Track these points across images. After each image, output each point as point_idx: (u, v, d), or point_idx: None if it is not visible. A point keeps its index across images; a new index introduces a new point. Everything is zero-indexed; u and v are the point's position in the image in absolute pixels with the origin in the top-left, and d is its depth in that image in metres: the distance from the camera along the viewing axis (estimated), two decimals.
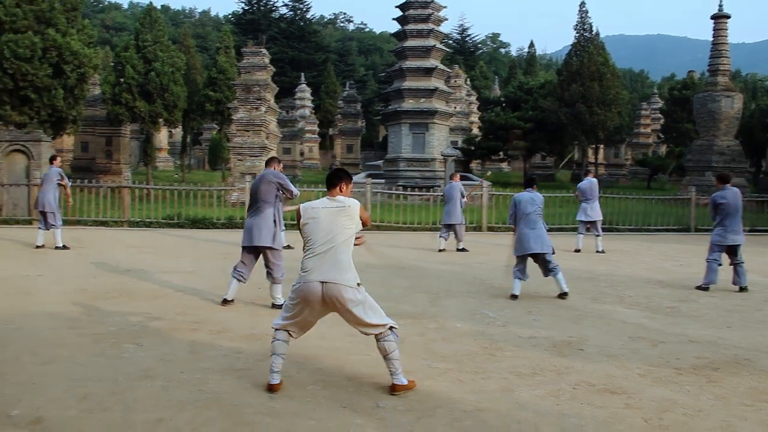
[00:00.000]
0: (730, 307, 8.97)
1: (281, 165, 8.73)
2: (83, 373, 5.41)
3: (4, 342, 6.30)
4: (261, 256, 8.26)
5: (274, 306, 8.12)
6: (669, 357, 6.33)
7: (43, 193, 13.37)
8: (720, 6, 32.34)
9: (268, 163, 8.57)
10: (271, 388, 5.09)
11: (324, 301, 4.99)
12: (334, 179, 5.26)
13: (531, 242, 9.14)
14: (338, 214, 5.09)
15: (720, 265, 10.30)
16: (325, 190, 5.28)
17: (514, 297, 9.10)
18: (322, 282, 4.96)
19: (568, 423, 4.60)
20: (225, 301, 8.27)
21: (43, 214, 13.31)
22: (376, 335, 5.10)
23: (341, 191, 5.23)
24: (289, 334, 5.23)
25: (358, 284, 5.03)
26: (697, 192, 21.77)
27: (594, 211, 14.95)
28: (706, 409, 4.94)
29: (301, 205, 5.27)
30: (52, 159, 14.07)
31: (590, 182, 15.21)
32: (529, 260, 9.31)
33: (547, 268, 9.27)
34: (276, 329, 5.23)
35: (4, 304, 8.04)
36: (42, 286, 9.22)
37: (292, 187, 8.39)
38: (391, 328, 5.11)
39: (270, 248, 8.14)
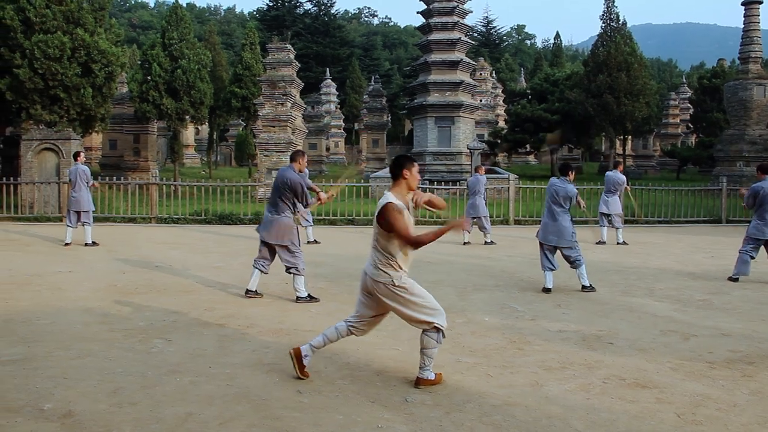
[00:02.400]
0: (764, 299, 8.81)
1: (305, 158, 8.68)
2: (113, 368, 5.46)
3: (37, 337, 6.39)
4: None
5: (298, 299, 8.15)
6: (701, 351, 6.22)
7: (78, 193, 13.47)
8: None
9: (293, 157, 8.54)
10: (296, 350, 5.25)
11: (369, 291, 5.09)
12: (395, 169, 5.07)
13: (548, 234, 9.13)
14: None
15: (753, 258, 10.12)
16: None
17: (547, 290, 9.02)
18: (365, 272, 5.12)
19: (599, 417, 4.54)
20: (248, 292, 8.35)
21: (77, 213, 13.46)
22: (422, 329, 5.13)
23: (405, 178, 5.02)
24: (351, 332, 5.25)
25: (393, 283, 4.96)
26: (729, 183, 21.43)
27: (610, 204, 14.79)
28: (741, 404, 4.85)
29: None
30: (76, 156, 14.12)
31: (608, 176, 15.08)
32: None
33: (568, 261, 9.18)
34: (346, 322, 5.28)
35: (36, 299, 8.15)
36: (73, 282, 9.34)
37: (305, 200, 8.34)
38: (436, 328, 5.05)
39: (279, 245, 8.17)
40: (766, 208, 10.00)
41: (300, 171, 8.37)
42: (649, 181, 33.85)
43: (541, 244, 9.22)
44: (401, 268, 5.00)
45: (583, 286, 9.10)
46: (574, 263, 9.12)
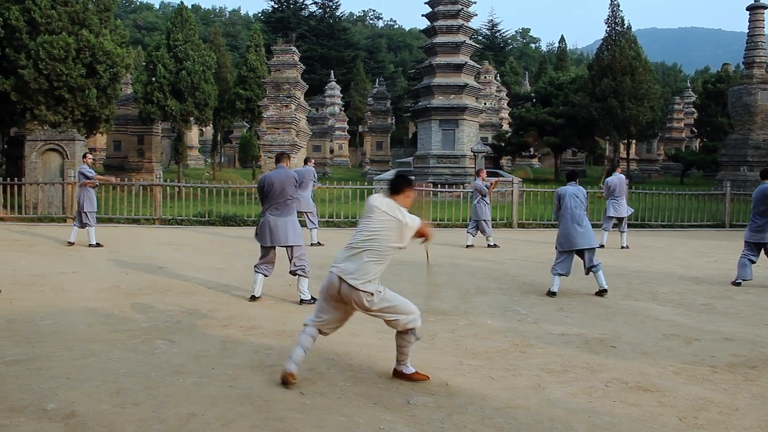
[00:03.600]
0: (767, 303, 8.80)
1: (290, 160, 8.76)
2: (116, 369, 5.48)
3: (40, 337, 6.41)
4: (286, 251, 8.32)
5: (302, 302, 8.17)
6: (704, 355, 6.22)
7: (84, 193, 13.56)
8: None
9: (279, 158, 8.52)
10: (285, 378, 5.09)
11: (341, 296, 5.03)
12: (400, 185, 5.23)
13: (577, 238, 9.01)
14: (389, 224, 5.02)
15: (752, 261, 10.12)
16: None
17: (552, 294, 9.00)
18: (341, 278, 5.00)
19: (601, 420, 4.54)
20: (254, 298, 8.33)
21: (83, 213, 13.52)
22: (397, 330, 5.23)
23: (406, 198, 5.21)
24: (320, 331, 5.24)
25: (372, 294, 4.99)
26: (732, 187, 21.41)
27: (622, 207, 14.74)
28: (743, 408, 4.85)
29: (371, 197, 5.27)
30: (84, 157, 14.24)
31: (618, 178, 15.03)
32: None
33: (590, 265, 9.13)
34: (306, 325, 5.25)
35: (40, 300, 8.18)
36: (77, 283, 9.36)
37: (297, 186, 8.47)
38: (413, 330, 5.19)
39: (294, 246, 8.19)
40: (756, 212, 10.13)
41: None
42: (653, 185, 33.81)
43: (564, 252, 9.24)
44: None
45: (603, 289, 9.03)
46: (594, 267, 9.06)
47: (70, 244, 13.40)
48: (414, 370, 5.30)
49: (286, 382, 5.09)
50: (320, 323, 5.21)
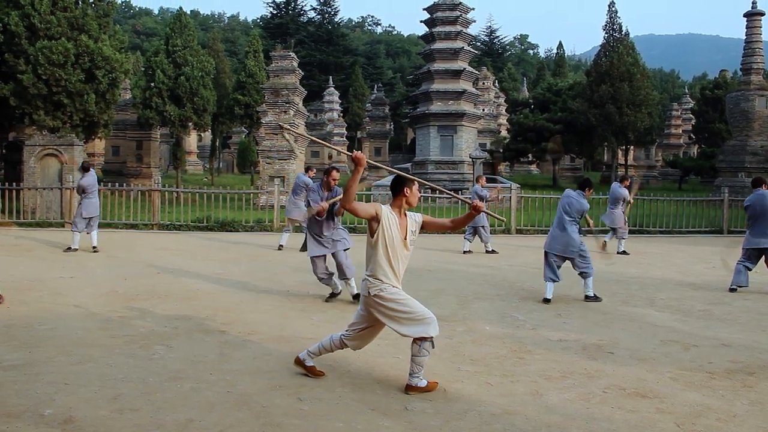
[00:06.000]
0: (764, 309, 8.80)
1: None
2: (114, 374, 5.47)
3: (38, 342, 6.40)
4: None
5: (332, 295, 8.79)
6: (702, 361, 6.22)
7: (93, 200, 13.73)
8: (753, 3, 31.85)
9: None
10: (296, 359, 5.55)
11: (362, 302, 5.31)
12: (400, 187, 5.17)
13: (555, 243, 9.10)
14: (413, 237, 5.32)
15: (749, 268, 10.12)
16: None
17: (546, 301, 9.00)
18: None
19: (598, 427, 4.54)
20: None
21: (89, 218, 13.62)
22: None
23: (405, 195, 5.17)
24: (344, 343, 5.37)
25: (369, 293, 5.13)
26: (730, 193, 21.44)
27: (614, 217, 14.80)
28: (741, 414, 4.85)
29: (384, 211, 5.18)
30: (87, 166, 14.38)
31: (612, 188, 15.11)
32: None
33: (576, 269, 9.16)
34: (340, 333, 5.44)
35: (38, 305, 8.16)
36: (75, 288, 9.35)
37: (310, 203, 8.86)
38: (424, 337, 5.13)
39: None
40: (752, 220, 10.16)
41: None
42: (651, 191, 33.83)
43: (546, 254, 9.21)
44: (383, 280, 5.05)
45: (586, 296, 9.10)
46: (581, 273, 9.12)
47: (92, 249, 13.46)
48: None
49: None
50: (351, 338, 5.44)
